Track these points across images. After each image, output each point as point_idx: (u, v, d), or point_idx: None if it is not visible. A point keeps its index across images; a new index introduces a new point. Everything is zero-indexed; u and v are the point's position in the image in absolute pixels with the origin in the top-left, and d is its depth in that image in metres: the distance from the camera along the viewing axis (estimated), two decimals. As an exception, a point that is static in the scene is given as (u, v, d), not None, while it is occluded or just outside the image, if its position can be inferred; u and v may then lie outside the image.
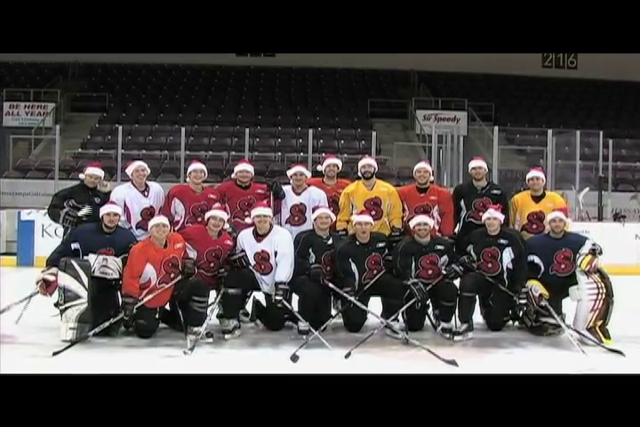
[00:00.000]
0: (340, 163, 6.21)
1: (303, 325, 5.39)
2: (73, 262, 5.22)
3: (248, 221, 5.67)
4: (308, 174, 6.12)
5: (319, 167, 6.30)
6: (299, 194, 6.00)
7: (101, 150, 15.17)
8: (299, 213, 5.99)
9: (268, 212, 5.61)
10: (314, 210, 5.77)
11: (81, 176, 6.02)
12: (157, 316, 5.40)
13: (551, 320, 5.46)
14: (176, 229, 5.78)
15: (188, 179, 6.10)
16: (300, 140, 15.83)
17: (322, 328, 5.29)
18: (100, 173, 5.98)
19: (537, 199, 6.01)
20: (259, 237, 5.56)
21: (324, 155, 9.87)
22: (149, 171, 6.01)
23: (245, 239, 5.59)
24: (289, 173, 6.10)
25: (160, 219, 5.38)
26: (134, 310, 5.12)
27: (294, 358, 4.68)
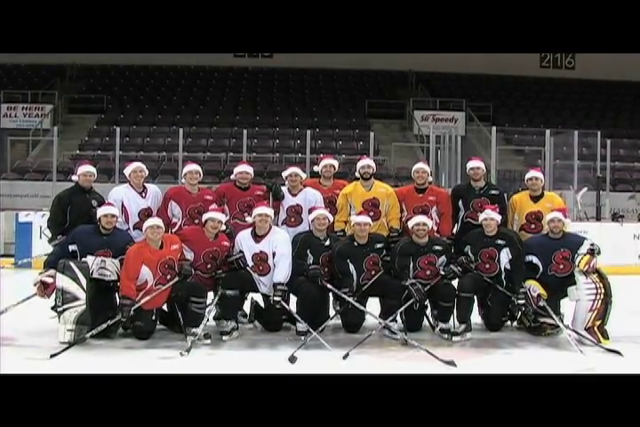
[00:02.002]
0: (336, 163, 6.18)
1: (301, 326, 5.38)
2: (71, 264, 5.21)
3: (249, 220, 5.65)
4: (304, 175, 6.11)
5: (315, 168, 6.29)
6: (294, 195, 5.99)
7: (99, 152, 15.22)
8: (295, 214, 5.97)
9: (270, 211, 5.60)
10: (310, 211, 5.76)
11: (74, 178, 5.95)
12: (154, 317, 5.39)
13: (549, 320, 5.46)
14: (173, 230, 5.77)
15: (183, 180, 6.08)
16: (299, 141, 15.85)
17: (320, 329, 5.27)
18: (93, 170, 5.93)
19: (535, 199, 6.01)
20: (257, 237, 5.55)
21: (322, 155, 9.85)
22: (147, 172, 5.99)
23: (244, 240, 5.57)
24: (284, 174, 6.08)
25: (154, 220, 5.35)
26: (131, 312, 5.11)
27: (292, 359, 4.66)
